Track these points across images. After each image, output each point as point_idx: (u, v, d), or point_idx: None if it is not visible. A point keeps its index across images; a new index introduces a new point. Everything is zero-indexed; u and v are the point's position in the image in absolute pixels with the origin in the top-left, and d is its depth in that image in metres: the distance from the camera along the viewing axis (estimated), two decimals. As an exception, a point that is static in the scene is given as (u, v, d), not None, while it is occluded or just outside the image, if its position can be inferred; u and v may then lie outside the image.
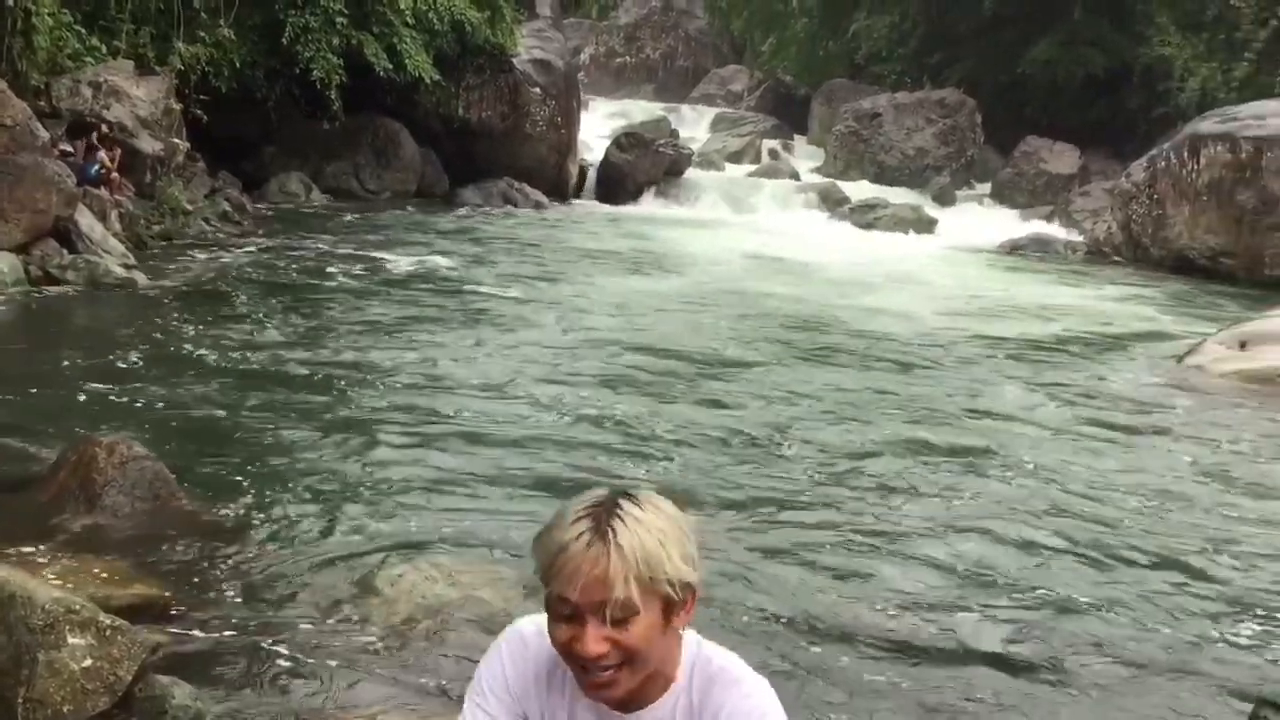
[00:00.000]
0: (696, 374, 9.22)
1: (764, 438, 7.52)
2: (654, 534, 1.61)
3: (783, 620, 4.77)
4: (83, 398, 7.35)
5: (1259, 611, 5.25)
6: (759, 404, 8.47)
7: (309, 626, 4.38)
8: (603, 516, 1.61)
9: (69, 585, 4.31)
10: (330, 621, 4.44)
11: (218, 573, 4.80)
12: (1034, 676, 4.47)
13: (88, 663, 3.56)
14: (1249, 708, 3.91)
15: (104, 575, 4.59)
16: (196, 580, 4.70)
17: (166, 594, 4.51)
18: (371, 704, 3.81)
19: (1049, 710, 4.22)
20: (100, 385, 7.65)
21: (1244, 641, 4.93)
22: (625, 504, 1.64)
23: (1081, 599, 5.23)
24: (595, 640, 1.60)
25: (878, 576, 5.36)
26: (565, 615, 1.62)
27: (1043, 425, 8.40)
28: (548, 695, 1.79)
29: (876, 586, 5.24)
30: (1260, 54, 26.88)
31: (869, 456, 7.27)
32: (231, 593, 4.63)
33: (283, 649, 4.17)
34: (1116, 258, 21.10)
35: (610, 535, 1.59)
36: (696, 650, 1.77)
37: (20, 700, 3.44)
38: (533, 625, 1.81)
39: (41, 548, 4.75)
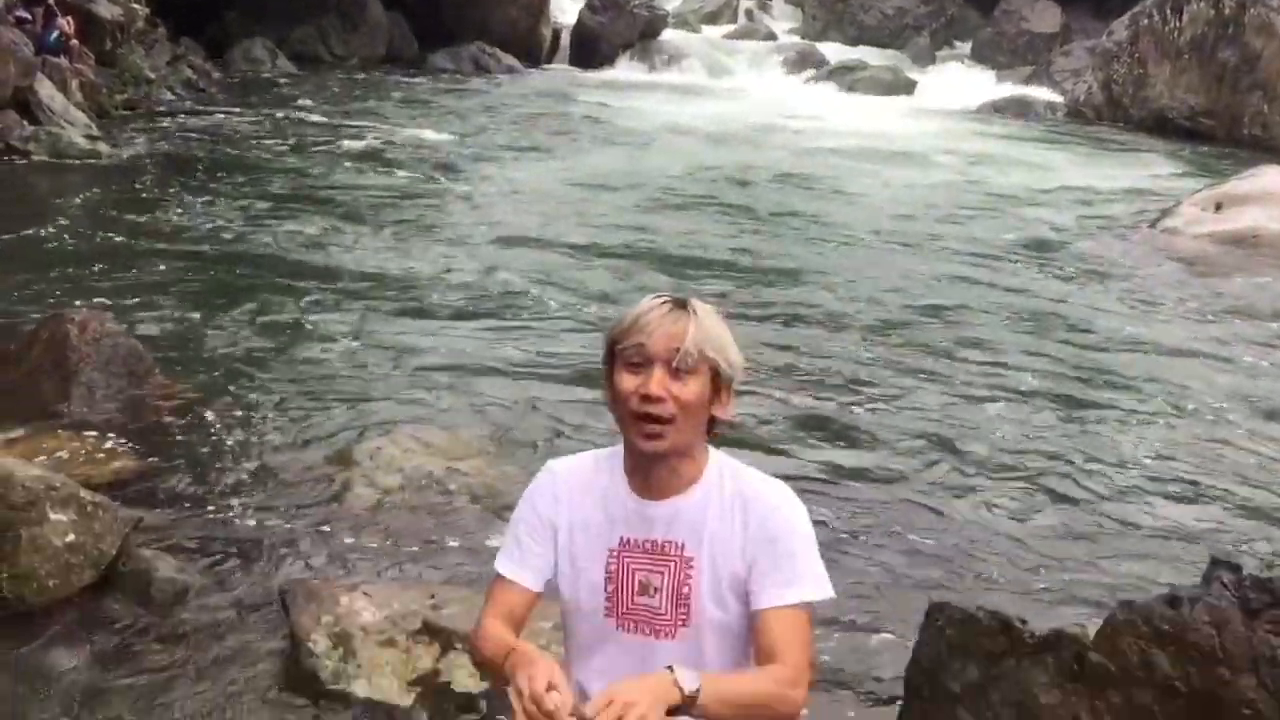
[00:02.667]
0: (682, 263, 8.82)
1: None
2: (720, 323, 1.93)
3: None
4: (52, 273, 7.26)
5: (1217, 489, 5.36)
6: (747, 284, 8.24)
7: (289, 498, 4.42)
8: (681, 300, 1.92)
9: (48, 463, 4.33)
10: (311, 493, 4.47)
11: (196, 449, 4.81)
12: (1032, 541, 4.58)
13: (71, 538, 3.59)
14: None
15: (83, 452, 4.60)
16: (176, 457, 4.71)
17: (146, 470, 4.54)
18: (355, 573, 3.86)
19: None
20: (67, 259, 7.56)
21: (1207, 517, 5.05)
22: (696, 300, 1.94)
23: (1066, 475, 5.34)
24: (659, 383, 1.86)
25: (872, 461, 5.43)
26: (635, 363, 1.89)
27: (1028, 293, 8.43)
28: (580, 503, 2.02)
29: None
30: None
31: (863, 333, 7.28)
32: (211, 468, 4.65)
33: (265, 521, 4.21)
34: (1097, 119, 20.92)
35: (690, 308, 1.90)
36: (725, 460, 2.01)
37: (4, 575, 3.48)
38: (559, 461, 2.09)
39: (17, 426, 4.74)
